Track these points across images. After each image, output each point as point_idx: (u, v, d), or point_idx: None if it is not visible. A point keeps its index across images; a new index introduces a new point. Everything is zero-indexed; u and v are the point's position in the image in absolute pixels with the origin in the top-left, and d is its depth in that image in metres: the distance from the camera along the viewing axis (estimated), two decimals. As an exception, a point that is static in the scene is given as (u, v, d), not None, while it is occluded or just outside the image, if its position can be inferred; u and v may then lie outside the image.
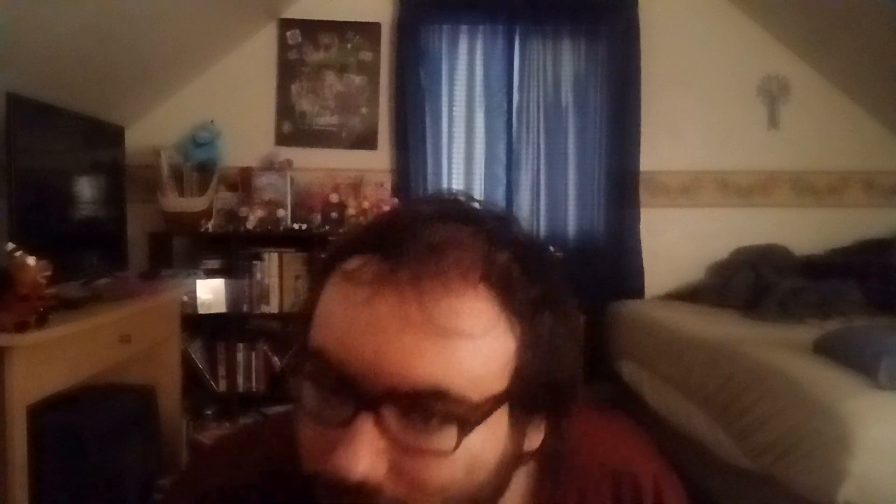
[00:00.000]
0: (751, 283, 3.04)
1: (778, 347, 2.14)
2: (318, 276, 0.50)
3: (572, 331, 0.50)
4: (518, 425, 0.48)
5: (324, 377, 0.45)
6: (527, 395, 0.47)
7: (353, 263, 0.47)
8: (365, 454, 0.42)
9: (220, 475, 0.58)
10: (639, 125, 3.30)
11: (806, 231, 3.41)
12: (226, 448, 0.64)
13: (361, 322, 0.44)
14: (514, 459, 0.49)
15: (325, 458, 0.43)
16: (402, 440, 0.43)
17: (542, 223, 3.33)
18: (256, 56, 3.24)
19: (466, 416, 0.43)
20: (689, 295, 3.23)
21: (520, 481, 0.54)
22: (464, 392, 0.43)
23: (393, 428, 0.43)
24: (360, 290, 0.45)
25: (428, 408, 0.43)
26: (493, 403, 0.45)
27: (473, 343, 0.44)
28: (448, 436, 0.43)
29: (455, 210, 0.50)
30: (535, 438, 0.50)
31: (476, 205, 0.52)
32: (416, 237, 0.46)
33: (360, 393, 0.43)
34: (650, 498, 0.61)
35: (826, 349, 2.01)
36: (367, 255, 0.46)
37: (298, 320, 0.50)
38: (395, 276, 0.44)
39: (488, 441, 0.45)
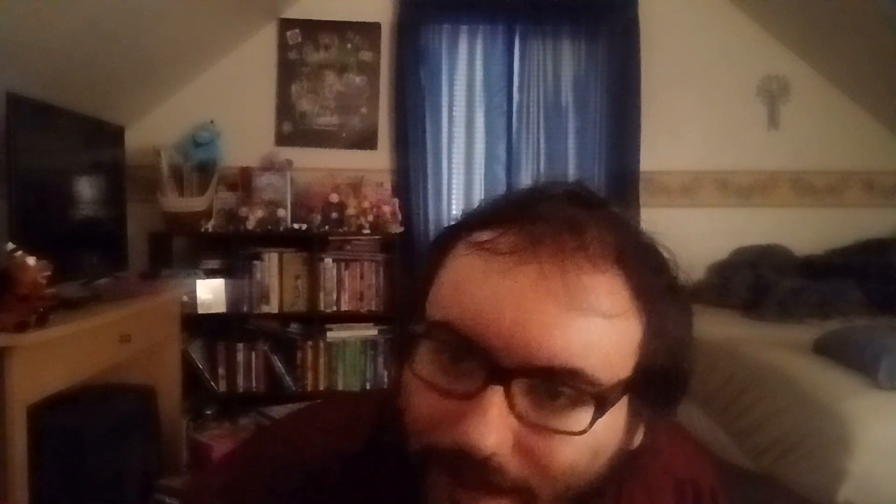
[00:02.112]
0: (751, 283, 3.04)
1: (778, 347, 2.15)
2: (438, 249, 0.49)
3: (689, 329, 0.50)
4: (633, 418, 0.47)
5: (451, 349, 0.44)
6: (646, 386, 0.46)
7: (485, 235, 0.45)
8: (495, 428, 0.41)
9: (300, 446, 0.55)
10: (639, 125, 3.30)
11: (806, 231, 3.40)
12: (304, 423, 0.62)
13: (501, 292, 0.43)
14: (622, 454, 0.47)
15: (447, 431, 0.42)
16: (530, 417, 0.42)
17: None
18: (256, 56, 3.24)
19: (602, 397, 0.42)
20: (690, 295, 3.22)
21: None
22: (597, 373, 0.42)
23: (521, 404, 0.42)
24: (498, 260, 0.43)
25: (562, 385, 0.42)
26: (624, 387, 0.44)
27: (610, 324, 0.43)
28: (580, 416, 0.42)
29: (581, 193, 0.49)
30: (639, 434, 0.49)
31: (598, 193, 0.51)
32: (554, 212, 0.45)
33: (493, 365, 0.42)
34: None
35: (826, 349, 2.01)
36: (499, 227, 0.45)
37: (413, 293, 0.49)
38: (537, 249, 0.43)
39: (611, 428, 0.45)
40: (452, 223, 0.50)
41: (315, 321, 3.04)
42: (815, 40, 3.33)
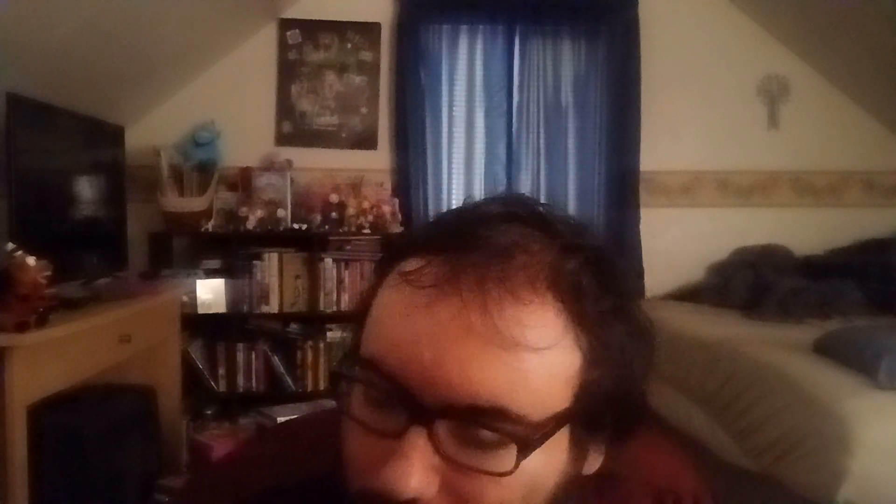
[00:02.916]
0: (751, 283, 3.04)
1: (778, 347, 2.15)
2: (376, 275, 0.47)
3: (645, 346, 0.47)
4: (579, 446, 0.45)
5: (375, 386, 0.43)
6: (591, 414, 0.44)
7: (412, 264, 0.44)
8: (416, 470, 0.40)
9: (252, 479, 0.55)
10: (639, 125, 3.30)
11: (806, 231, 3.40)
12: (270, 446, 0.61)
13: (420, 329, 0.41)
14: (572, 483, 0.45)
15: (374, 473, 0.41)
16: (455, 458, 0.41)
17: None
18: (256, 56, 3.24)
19: (526, 438, 0.40)
20: (689, 295, 3.23)
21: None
22: (524, 410, 0.41)
23: (446, 445, 0.41)
24: (420, 293, 0.42)
25: (485, 426, 0.40)
26: (555, 424, 0.42)
27: (538, 357, 0.41)
28: (506, 457, 0.40)
29: (523, 211, 0.47)
30: (595, 460, 0.47)
31: (543, 208, 0.48)
32: (481, 238, 0.43)
33: (415, 405, 0.41)
34: None
35: (826, 349, 2.01)
36: (428, 255, 0.43)
37: (352, 322, 0.48)
38: (458, 280, 0.41)
39: (548, 463, 0.43)
40: (392, 248, 0.49)
41: (315, 321, 3.04)
42: (815, 40, 3.32)
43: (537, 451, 0.41)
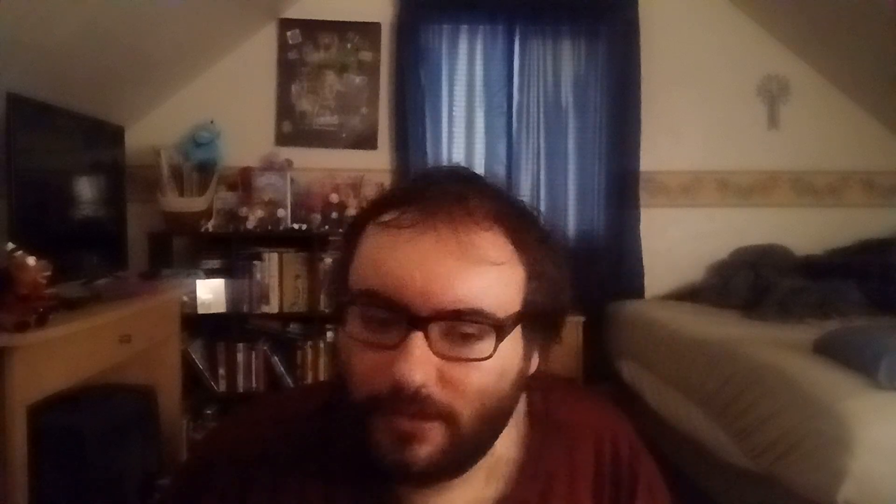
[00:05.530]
0: (751, 283, 3.04)
1: (778, 347, 2.14)
2: (351, 233, 0.59)
3: (563, 270, 0.60)
4: (527, 346, 0.58)
5: (376, 310, 0.53)
6: (533, 319, 0.57)
7: (387, 216, 0.55)
8: (420, 365, 0.51)
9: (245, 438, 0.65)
10: (639, 125, 3.30)
11: (806, 231, 3.41)
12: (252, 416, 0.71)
13: (408, 258, 0.53)
14: (523, 378, 0.59)
15: (381, 376, 0.52)
16: (446, 353, 0.52)
17: (542, 223, 3.34)
18: (256, 56, 3.24)
19: (499, 327, 0.53)
20: (689, 295, 3.23)
21: (517, 425, 0.65)
22: (494, 310, 0.53)
23: (439, 344, 0.52)
24: (402, 233, 0.54)
25: (470, 321, 0.52)
26: (515, 319, 0.55)
27: (498, 270, 0.54)
28: (484, 346, 0.53)
29: (462, 173, 0.60)
30: (534, 363, 0.61)
31: (473, 171, 0.62)
32: (442, 190, 0.56)
33: (412, 315, 0.52)
34: (626, 458, 0.69)
35: (826, 349, 2.01)
36: (398, 208, 0.55)
37: (335, 273, 0.59)
38: (432, 219, 0.53)
39: (511, 354, 0.56)
40: (359, 211, 0.60)
41: (315, 321, 3.04)
42: (815, 40, 3.33)
43: (504, 343, 0.54)
